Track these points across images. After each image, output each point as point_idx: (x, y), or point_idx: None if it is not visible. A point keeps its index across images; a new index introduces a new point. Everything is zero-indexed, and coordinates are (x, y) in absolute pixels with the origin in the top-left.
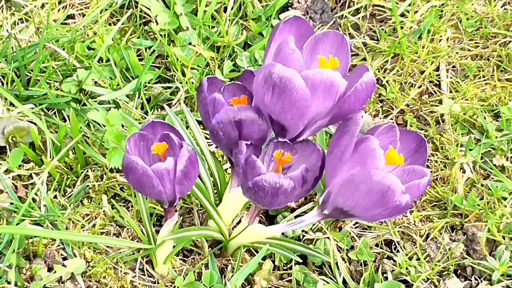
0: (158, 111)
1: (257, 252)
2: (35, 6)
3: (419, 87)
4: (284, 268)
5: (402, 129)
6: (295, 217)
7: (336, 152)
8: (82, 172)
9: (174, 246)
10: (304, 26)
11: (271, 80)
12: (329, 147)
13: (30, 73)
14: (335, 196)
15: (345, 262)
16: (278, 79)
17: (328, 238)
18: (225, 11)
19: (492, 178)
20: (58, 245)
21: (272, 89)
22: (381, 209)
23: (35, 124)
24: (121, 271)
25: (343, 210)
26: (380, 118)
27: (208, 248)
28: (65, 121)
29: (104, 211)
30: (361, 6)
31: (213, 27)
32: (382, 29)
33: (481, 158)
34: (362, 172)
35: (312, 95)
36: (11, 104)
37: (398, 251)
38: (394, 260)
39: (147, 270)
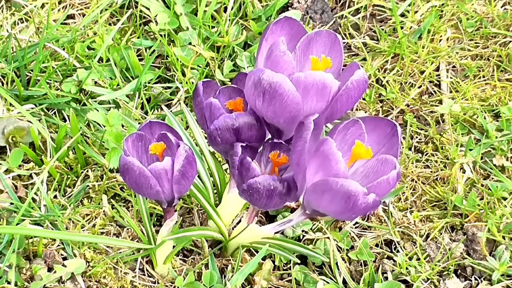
0: (158, 111)
1: (257, 252)
2: (35, 6)
3: (419, 87)
4: (284, 268)
5: (372, 116)
6: None
7: (294, 159)
8: (82, 172)
9: (174, 246)
10: (296, 26)
11: (261, 86)
12: (291, 153)
13: (30, 73)
14: (308, 201)
15: (345, 262)
16: (267, 85)
17: (328, 238)
18: (225, 11)
19: (492, 178)
20: (58, 245)
21: (263, 95)
22: (350, 212)
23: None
24: (121, 271)
25: (319, 212)
26: None
27: (208, 248)
28: (65, 121)
29: (104, 211)
30: (361, 6)
31: (213, 27)
32: (382, 29)
33: (481, 158)
34: (322, 181)
35: (305, 98)
36: (11, 104)
37: (398, 251)
38: (394, 260)
39: (147, 270)
